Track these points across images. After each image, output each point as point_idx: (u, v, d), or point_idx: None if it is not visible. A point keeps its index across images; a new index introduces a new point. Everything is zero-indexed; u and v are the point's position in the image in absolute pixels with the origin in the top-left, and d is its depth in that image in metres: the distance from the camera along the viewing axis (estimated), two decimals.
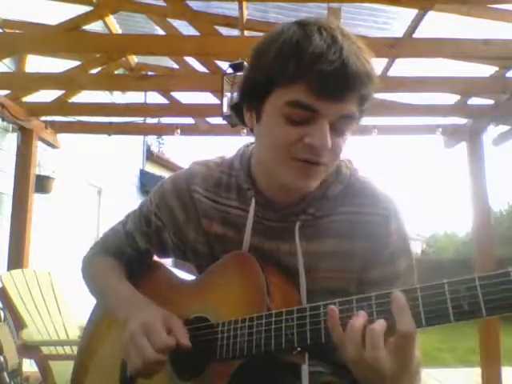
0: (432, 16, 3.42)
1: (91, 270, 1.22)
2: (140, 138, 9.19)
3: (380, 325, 0.76)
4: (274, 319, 0.87)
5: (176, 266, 1.21)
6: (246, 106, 0.98)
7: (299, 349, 0.85)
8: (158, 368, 0.93)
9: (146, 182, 9.34)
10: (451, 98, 4.61)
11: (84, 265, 1.24)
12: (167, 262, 1.24)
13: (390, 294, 0.77)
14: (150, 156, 10.58)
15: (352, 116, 0.89)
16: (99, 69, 4.39)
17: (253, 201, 1.01)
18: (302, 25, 0.89)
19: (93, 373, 1.16)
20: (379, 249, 0.99)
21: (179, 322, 0.98)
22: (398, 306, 0.76)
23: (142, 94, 7.39)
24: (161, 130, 6.34)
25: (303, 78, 0.84)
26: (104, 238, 1.24)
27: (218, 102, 3.77)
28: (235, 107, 1.02)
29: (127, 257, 1.18)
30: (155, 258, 1.23)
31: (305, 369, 0.90)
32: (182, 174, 1.12)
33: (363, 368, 0.78)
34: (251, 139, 1.07)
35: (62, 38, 3.36)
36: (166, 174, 9.95)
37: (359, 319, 0.78)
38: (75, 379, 1.19)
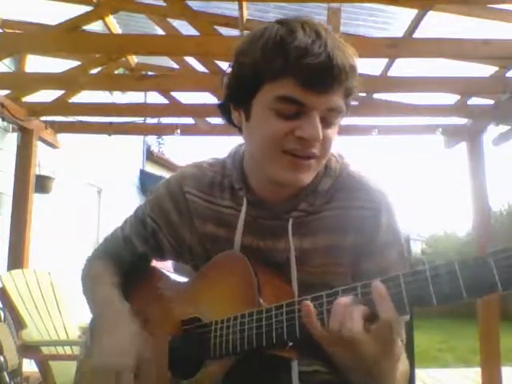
0: (432, 16, 3.42)
1: (87, 275, 1.23)
2: (140, 138, 9.19)
3: (359, 309, 0.78)
4: (264, 315, 0.88)
5: (176, 271, 1.21)
6: (233, 106, 0.99)
7: (291, 343, 0.86)
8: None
9: (145, 182, 9.34)
10: (451, 98, 4.61)
11: (83, 269, 1.25)
12: (168, 268, 1.24)
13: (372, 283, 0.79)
14: (150, 156, 10.58)
15: (339, 109, 0.91)
16: (99, 69, 4.39)
17: (244, 200, 1.02)
18: (284, 22, 0.91)
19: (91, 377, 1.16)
20: (369, 241, 0.99)
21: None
22: (378, 294, 0.77)
23: (142, 94, 7.39)
24: (161, 130, 6.34)
25: (290, 73, 0.86)
26: (104, 243, 1.26)
27: (218, 102, 3.76)
28: (222, 108, 1.04)
29: (124, 262, 1.19)
30: (153, 262, 1.23)
31: (295, 364, 0.91)
32: (173, 177, 1.14)
33: (342, 348, 0.80)
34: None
35: (62, 37, 3.35)
36: (166, 174, 9.95)
37: (344, 298, 0.80)
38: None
